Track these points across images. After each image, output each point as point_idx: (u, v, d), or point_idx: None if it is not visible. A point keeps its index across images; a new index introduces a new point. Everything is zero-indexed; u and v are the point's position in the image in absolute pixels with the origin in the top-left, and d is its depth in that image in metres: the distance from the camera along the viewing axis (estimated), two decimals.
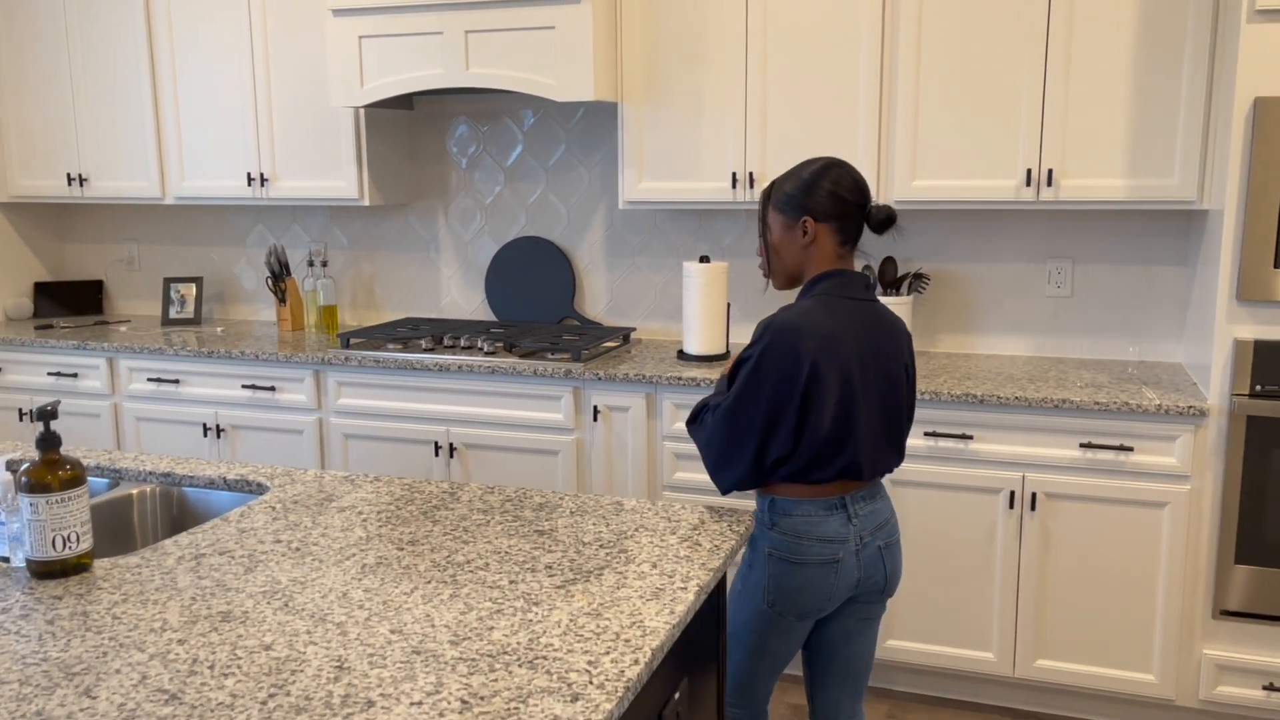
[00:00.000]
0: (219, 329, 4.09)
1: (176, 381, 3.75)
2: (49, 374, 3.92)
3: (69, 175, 4.09)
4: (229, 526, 1.88)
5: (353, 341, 3.63)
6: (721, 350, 3.40)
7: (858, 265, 2.83)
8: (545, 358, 3.38)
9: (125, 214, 4.48)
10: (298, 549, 1.77)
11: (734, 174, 3.31)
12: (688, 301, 3.35)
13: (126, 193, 4.04)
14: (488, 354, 3.44)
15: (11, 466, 1.74)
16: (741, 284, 3.70)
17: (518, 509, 1.96)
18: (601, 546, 1.77)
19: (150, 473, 2.23)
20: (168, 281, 4.25)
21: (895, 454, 1.99)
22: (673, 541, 1.79)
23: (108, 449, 3.89)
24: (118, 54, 3.95)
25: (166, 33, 3.87)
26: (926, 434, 2.98)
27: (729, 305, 3.43)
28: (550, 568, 1.68)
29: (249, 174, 3.85)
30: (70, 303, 4.47)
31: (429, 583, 1.62)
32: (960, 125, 3.09)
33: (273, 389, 3.63)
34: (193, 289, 4.26)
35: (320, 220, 4.19)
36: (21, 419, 3.96)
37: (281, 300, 4.06)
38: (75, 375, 3.89)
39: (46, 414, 1.64)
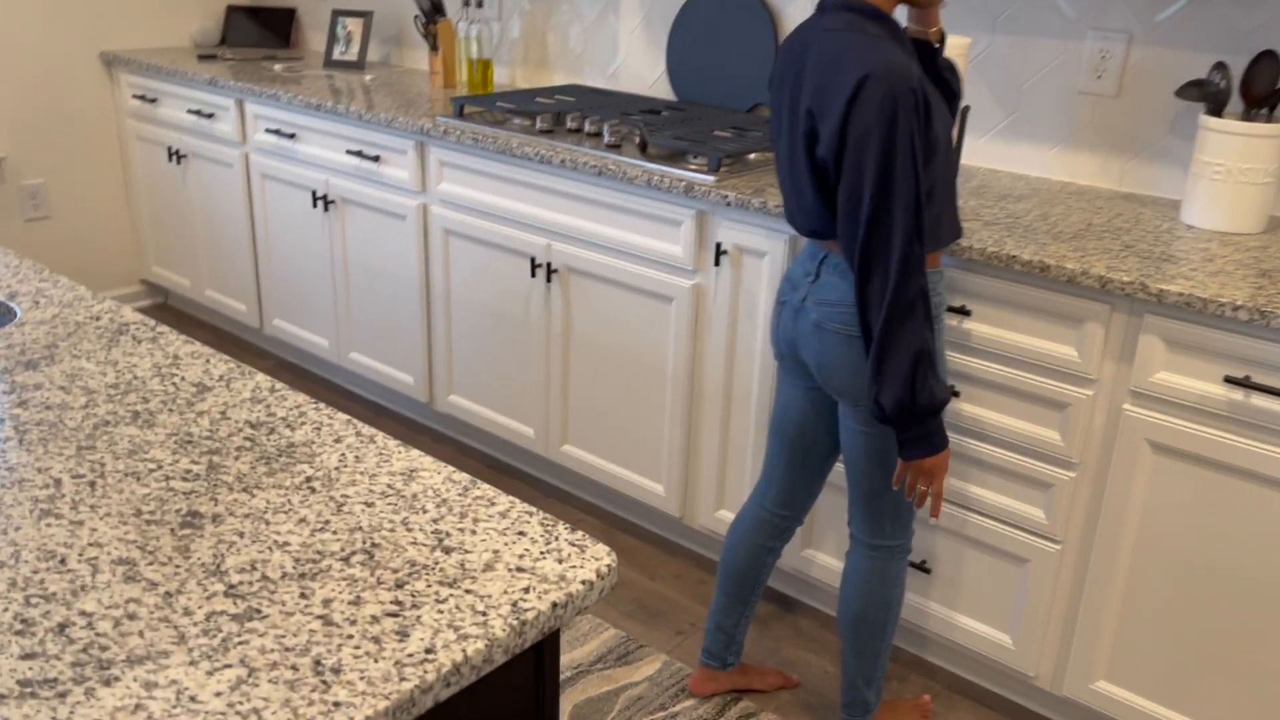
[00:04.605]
0: (369, 76, 3.41)
1: (293, 136, 3.15)
2: (188, 111, 3.47)
3: None
4: None
5: (466, 110, 2.79)
6: None
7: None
8: (685, 163, 2.35)
9: None
10: None
11: None
12: None
13: None
14: (610, 146, 2.47)
15: None
16: (1010, 77, 2.37)
17: (268, 454, 1.09)
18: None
19: None
20: (335, 15, 3.60)
21: (800, 214, 1.71)
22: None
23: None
24: None
25: None
26: None
27: (966, 108, 2.18)
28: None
29: None
30: (261, 31, 3.98)
31: None
32: None
33: (377, 159, 2.92)
34: (360, 26, 3.59)
35: None
36: (170, 159, 3.59)
37: (433, 48, 3.28)
38: (212, 116, 3.41)
39: None
